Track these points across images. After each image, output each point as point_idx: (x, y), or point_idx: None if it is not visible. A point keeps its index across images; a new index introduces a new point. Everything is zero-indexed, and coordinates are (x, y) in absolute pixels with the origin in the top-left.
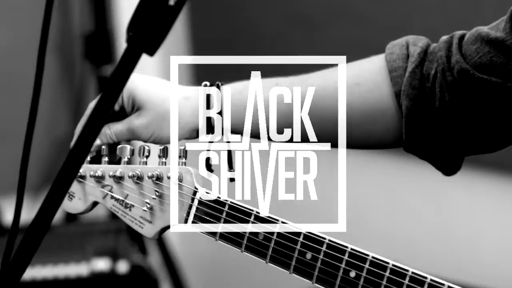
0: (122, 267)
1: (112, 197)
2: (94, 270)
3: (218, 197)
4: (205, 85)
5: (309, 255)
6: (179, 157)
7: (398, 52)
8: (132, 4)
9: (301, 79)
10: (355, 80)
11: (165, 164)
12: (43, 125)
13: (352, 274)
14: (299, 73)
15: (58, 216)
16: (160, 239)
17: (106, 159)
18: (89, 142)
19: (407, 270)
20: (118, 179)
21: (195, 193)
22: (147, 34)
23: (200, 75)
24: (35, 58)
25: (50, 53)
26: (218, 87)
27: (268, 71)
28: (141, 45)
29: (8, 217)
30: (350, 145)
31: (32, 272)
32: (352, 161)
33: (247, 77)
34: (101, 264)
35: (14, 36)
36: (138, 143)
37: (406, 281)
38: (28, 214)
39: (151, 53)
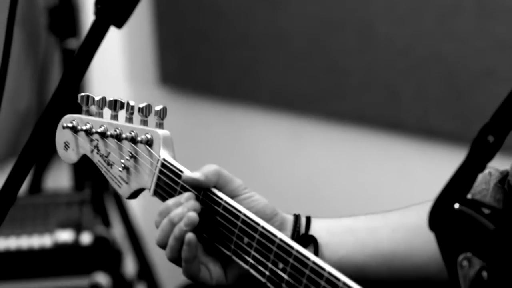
0: (86, 238)
1: (97, 152)
2: (57, 241)
3: (175, 167)
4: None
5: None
6: (156, 117)
7: (481, 178)
8: None
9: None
10: None
11: (146, 123)
12: (7, 98)
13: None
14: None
15: (22, 188)
16: (123, 211)
17: (100, 111)
18: (56, 113)
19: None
20: (102, 135)
21: (158, 161)
22: (116, 7)
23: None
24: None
25: (14, 26)
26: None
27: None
28: (109, 17)
29: None
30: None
31: None
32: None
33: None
34: (65, 236)
35: None
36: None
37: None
38: None
39: (119, 25)
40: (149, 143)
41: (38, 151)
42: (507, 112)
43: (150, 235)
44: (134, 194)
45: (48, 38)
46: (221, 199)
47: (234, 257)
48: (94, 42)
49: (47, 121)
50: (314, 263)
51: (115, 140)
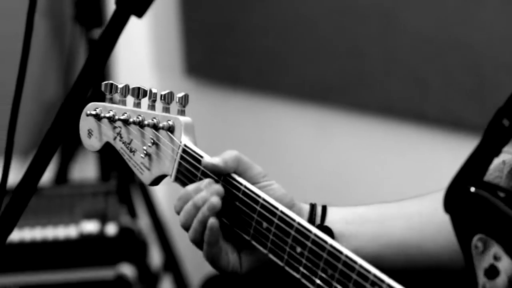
0: (111, 229)
1: (120, 139)
2: (83, 232)
3: (196, 153)
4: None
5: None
6: (178, 104)
7: (494, 166)
8: None
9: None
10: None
11: (168, 111)
12: (33, 88)
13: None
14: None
15: (48, 178)
16: (149, 201)
17: (124, 99)
18: (77, 104)
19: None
20: (125, 122)
21: (179, 147)
22: None
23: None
24: (24, 20)
25: (40, 16)
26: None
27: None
28: (130, 6)
29: None
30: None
31: (21, 234)
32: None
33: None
34: (90, 226)
35: None
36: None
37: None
38: (17, 177)
39: (140, 15)
40: (171, 129)
41: (59, 140)
42: None
43: (176, 226)
44: (156, 181)
45: (74, 28)
46: (241, 184)
47: (253, 242)
48: (115, 31)
49: (68, 111)
50: (331, 246)
51: (138, 127)
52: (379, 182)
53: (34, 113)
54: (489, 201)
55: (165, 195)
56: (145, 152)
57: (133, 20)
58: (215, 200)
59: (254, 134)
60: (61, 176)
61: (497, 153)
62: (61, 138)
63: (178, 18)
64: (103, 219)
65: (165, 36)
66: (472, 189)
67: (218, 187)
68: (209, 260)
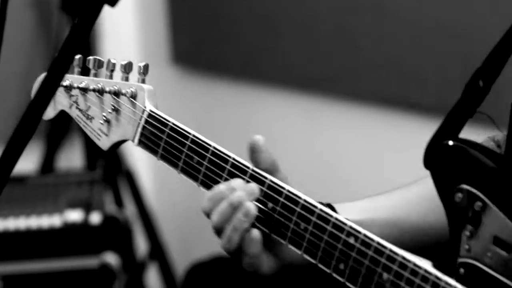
0: (95, 218)
1: (76, 107)
2: (67, 221)
3: (162, 117)
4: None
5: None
6: (139, 73)
7: None
8: None
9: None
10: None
11: (127, 80)
12: (20, 78)
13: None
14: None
15: (34, 167)
16: (135, 190)
17: (79, 69)
18: (47, 97)
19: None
20: (83, 90)
21: (143, 111)
22: None
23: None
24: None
25: (27, 6)
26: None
27: None
28: None
29: None
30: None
31: (5, 224)
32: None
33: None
34: (74, 215)
35: None
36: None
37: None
38: None
39: (112, 4)
40: (133, 96)
41: (31, 130)
42: (496, 58)
43: (162, 215)
44: (114, 146)
45: (61, 18)
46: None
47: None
48: (89, 21)
49: (41, 98)
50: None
51: (97, 94)
52: (371, 173)
53: (20, 102)
54: (467, 151)
55: (151, 184)
56: (104, 118)
57: (120, 8)
58: (251, 206)
59: (241, 123)
60: (47, 166)
61: (472, 112)
62: (34, 127)
63: (165, 6)
64: (88, 208)
65: (152, 24)
66: (450, 142)
67: (253, 186)
68: (249, 270)
